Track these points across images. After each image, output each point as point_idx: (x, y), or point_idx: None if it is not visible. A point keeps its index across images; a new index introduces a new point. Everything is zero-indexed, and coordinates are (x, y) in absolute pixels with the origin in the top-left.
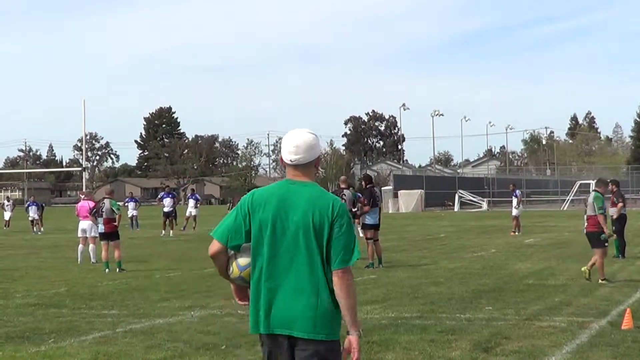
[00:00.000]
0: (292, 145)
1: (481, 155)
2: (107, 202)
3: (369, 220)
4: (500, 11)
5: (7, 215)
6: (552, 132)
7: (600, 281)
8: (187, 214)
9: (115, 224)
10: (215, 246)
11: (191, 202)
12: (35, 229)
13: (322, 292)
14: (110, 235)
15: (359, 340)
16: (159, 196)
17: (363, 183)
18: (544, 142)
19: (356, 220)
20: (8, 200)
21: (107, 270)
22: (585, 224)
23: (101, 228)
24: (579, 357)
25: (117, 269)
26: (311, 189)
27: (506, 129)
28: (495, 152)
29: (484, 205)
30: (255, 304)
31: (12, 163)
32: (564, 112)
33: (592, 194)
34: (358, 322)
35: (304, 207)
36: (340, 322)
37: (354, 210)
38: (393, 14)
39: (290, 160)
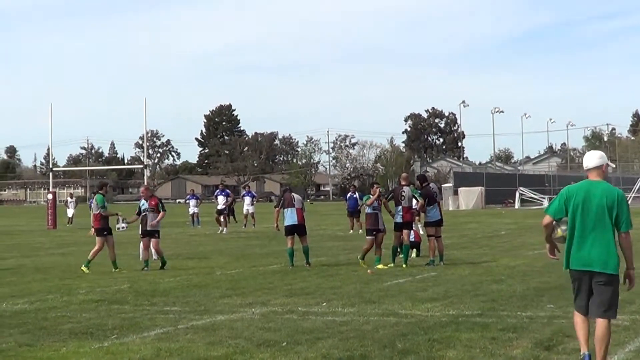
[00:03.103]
0: (587, 158)
1: (542, 152)
2: (95, 197)
3: (430, 217)
4: (561, 7)
5: (70, 212)
6: (613, 128)
7: None
8: (244, 211)
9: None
10: (547, 219)
11: (247, 200)
12: None
13: (611, 245)
14: (98, 231)
15: (634, 273)
16: (215, 194)
17: (419, 183)
18: (605, 138)
19: (417, 218)
20: (71, 197)
21: (145, 268)
22: None
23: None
24: None
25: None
26: (603, 185)
27: (567, 126)
28: (556, 149)
29: (545, 203)
30: (567, 252)
31: (74, 161)
32: (626, 108)
33: None
34: (633, 263)
35: (600, 195)
36: (619, 263)
37: (413, 208)
38: (454, 11)
39: (587, 167)
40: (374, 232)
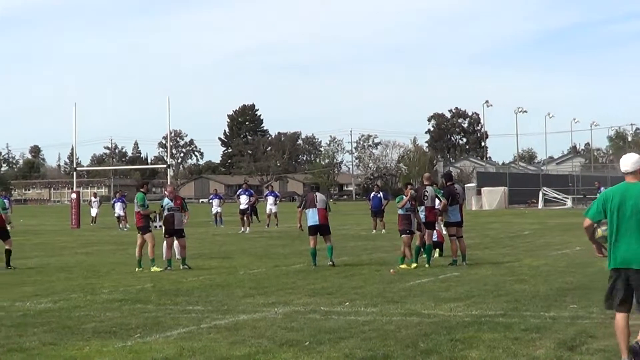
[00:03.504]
0: (624, 162)
1: (565, 152)
2: (136, 195)
3: (451, 217)
4: (585, 7)
5: (93, 211)
6: (638, 128)
7: None
8: (267, 211)
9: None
10: (587, 222)
11: (270, 200)
12: (121, 225)
13: None
14: (141, 229)
15: None
16: (237, 193)
17: (444, 181)
18: (629, 138)
19: (440, 218)
20: (95, 197)
21: (168, 268)
22: None
23: None
24: None
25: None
26: (639, 186)
27: (591, 126)
28: (580, 149)
29: (569, 203)
30: (609, 252)
31: (98, 160)
32: None
33: None
34: None
35: (635, 196)
36: None
37: (436, 207)
38: (478, 11)
39: (624, 171)
40: (408, 232)
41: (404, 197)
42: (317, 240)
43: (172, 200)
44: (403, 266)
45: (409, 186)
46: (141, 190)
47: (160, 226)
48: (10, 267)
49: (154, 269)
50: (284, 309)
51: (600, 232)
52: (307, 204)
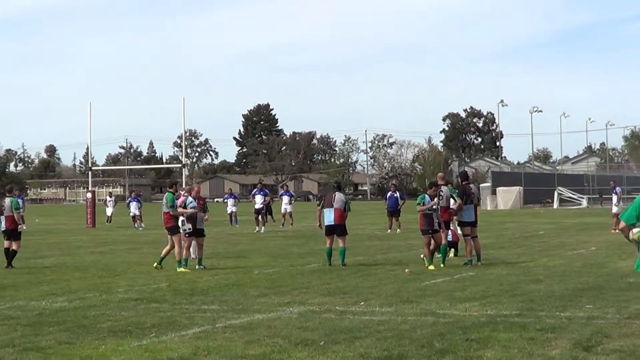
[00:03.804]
0: None
1: (581, 152)
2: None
3: (465, 217)
4: (600, 6)
5: (109, 211)
6: None
7: None
8: (282, 210)
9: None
10: (622, 224)
11: (285, 199)
12: (136, 225)
13: None
14: (170, 229)
15: None
16: (252, 193)
17: (459, 180)
18: None
19: (454, 217)
20: (110, 196)
21: (198, 266)
22: None
23: (3, 225)
24: None
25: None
26: None
27: (606, 125)
28: (595, 149)
29: (584, 203)
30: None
31: (113, 160)
32: None
33: None
34: None
35: None
36: None
37: (451, 207)
38: (492, 11)
39: None
40: (430, 232)
41: (426, 196)
42: (332, 240)
43: (195, 200)
44: (431, 267)
45: (434, 186)
46: (170, 190)
47: (190, 229)
48: (11, 266)
49: (181, 270)
50: (299, 308)
51: (631, 234)
52: (325, 203)
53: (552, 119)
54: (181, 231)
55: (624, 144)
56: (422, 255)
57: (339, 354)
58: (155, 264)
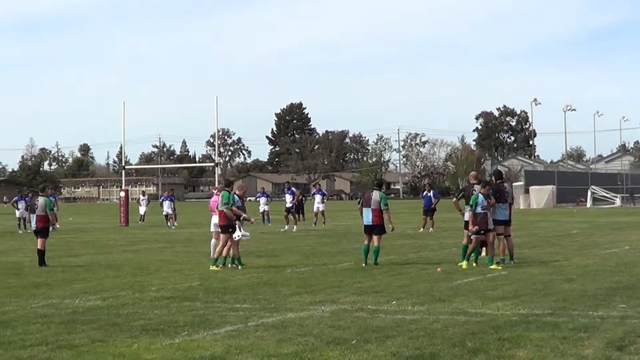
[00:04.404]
0: None
1: (614, 151)
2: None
3: (499, 216)
4: (632, 5)
5: (142, 209)
6: None
7: None
8: (315, 209)
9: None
10: None
11: (317, 198)
12: (169, 224)
13: None
14: (223, 227)
15: None
16: (285, 191)
17: (493, 179)
18: None
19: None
20: (143, 195)
21: (231, 265)
22: None
23: (34, 225)
24: None
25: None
26: None
27: None
28: (629, 148)
29: (618, 201)
30: None
31: (146, 159)
32: None
33: None
34: None
35: None
36: None
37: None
38: (526, 9)
39: None
40: (483, 232)
41: (480, 195)
42: (371, 238)
43: (240, 199)
44: (493, 267)
45: (487, 186)
46: (226, 189)
47: (246, 236)
48: (44, 264)
49: (213, 267)
50: (331, 307)
51: None
52: (364, 202)
53: (585, 117)
54: (235, 236)
55: None
56: (492, 263)
57: (370, 352)
58: (239, 267)
